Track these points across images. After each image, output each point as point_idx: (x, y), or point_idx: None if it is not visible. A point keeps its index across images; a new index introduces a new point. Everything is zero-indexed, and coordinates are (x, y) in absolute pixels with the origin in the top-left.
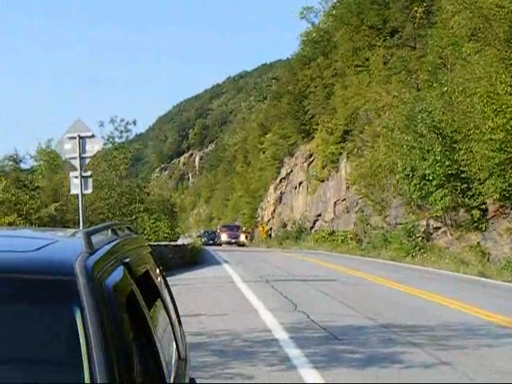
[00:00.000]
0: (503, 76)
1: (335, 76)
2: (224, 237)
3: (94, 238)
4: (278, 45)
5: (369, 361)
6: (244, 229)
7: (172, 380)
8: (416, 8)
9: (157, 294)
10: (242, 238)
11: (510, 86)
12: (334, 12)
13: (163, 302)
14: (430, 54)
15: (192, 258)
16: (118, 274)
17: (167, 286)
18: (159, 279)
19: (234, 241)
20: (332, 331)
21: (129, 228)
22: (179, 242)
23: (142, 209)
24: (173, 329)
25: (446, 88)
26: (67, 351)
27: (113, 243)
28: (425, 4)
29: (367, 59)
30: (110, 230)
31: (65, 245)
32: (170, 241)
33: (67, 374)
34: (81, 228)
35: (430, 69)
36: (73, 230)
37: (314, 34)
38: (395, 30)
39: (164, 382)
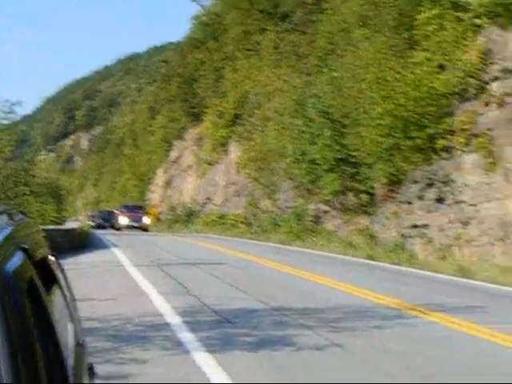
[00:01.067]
0: (392, 62)
1: (225, 59)
2: (124, 220)
3: None
4: (169, 27)
5: (262, 344)
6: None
7: (71, 366)
8: None
9: (54, 279)
10: (146, 220)
11: (398, 73)
12: None
13: (60, 287)
14: (320, 39)
15: (81, 242)
16: (18, 259)
17: (62, 270)
18: (55, 264)
19: (136, 225)
20: (224, 315)
21: (22, 212)
22: (67, 225)
23: (27, 192)
24: (70, 314)
25: (335, 73)
26: None
27: (9, 228)
28: None
29: (258, 43)
30: (4, 215)
31: None
32: (57, 224)
33: None
34: None
35: (320, 54)
36: None
37: (205, 17)
38: (286, 14)
39: (64, 368)
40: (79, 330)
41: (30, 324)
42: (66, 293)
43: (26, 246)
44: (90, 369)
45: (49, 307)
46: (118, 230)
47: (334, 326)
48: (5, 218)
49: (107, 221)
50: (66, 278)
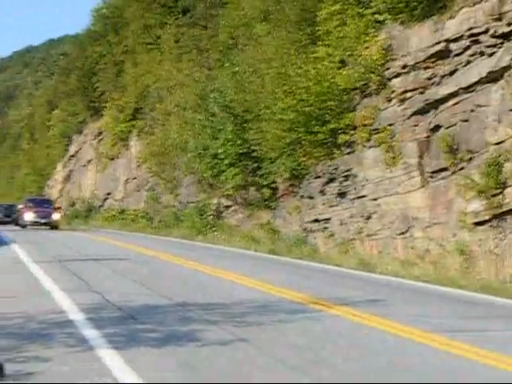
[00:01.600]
0: (294, 58)
1: (126, 53)
2: (30, 216)
3: None
4: (67, 20)
5: (167, 339)
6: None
7: None
8: None
9: None
10: (56, 216)
11: (300, 68)
12: None
13: None
14: (221, 33)
15: None
16: None
17: None
18: None
19: (44, 221)
20: (128, 311)
21: None
22: None
23: None
24: None
25: (237, 68)
26: None
27: None
28: None
29: (158, 37)
30: None
31: None
32: None
33: None
34: None
35: (221, 48)
36: None
37: (105, 10)
38: (187, 8)
39: None
40: None
41: None
42: None
43: None
44: (0, 368)
45: None
46: (23, 227)
47: (239, 320)
48: None
49: (8, 216)
50: None
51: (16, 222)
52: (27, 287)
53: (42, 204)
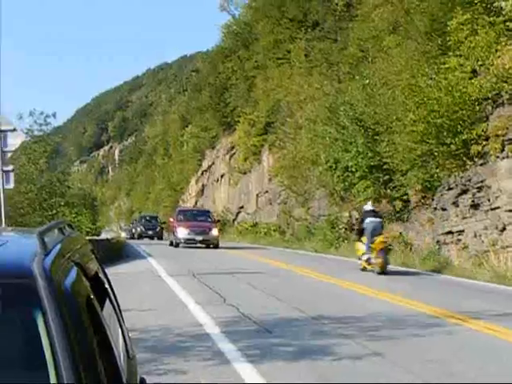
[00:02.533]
0: (424, 69)
1: (257, 68)
2: (182, 232)
3: (45, 238)
4: (198, 37)
5: (302, 353)
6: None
7: (125, 380)
8: (337, 1)
9: (105, 292)
10: (215, 232)
11: (430, 79)
12: (254, 4)
13: (111, 300)
14: (351, 46)
15: (116, 252)
16: (73, 275)
17: (109, 283)
18: (104, 277)
19: (200, 238)
20: (263, 324)
21: (70, 226)
22: (102, 236)
23: (62, 203)
24: (121, 327)
25: (367, 80)
26: (30, 356)
27: (62, 243)
28: None
29: (288, 51)
30: (56, 229)
31: (17, 246)
32: (93, 235)
33: (32, 379)
34: (2, 225)
35: (351, 61)
36: (19, 230)
37: (235, 27)
38: (316, 22)
39: (121, 380)
40: (129, 343)
41: (91, 341)
42: (116, 305)
43: (80, 261)
44: (142, 383)
45: (105, 321)
46: (176, 246)
47: (374, 334)
48: (56, 232)
49: (152, 229)
50: (113, 291)
51: (159, 237)
52: (165, 300)
53: (198, 217)
